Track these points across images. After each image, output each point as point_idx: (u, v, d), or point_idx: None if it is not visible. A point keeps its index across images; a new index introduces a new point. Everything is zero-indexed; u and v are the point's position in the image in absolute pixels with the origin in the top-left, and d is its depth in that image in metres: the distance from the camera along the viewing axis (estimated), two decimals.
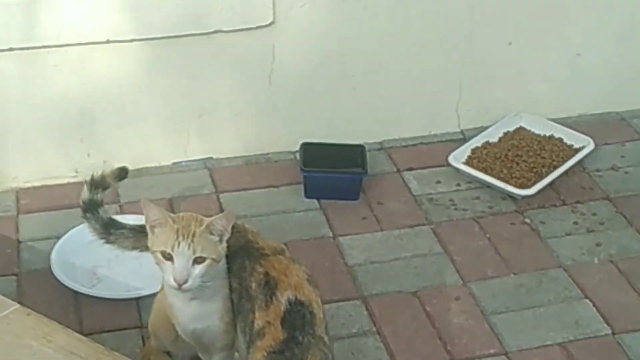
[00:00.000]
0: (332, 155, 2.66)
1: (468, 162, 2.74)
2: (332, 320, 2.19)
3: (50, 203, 2.58)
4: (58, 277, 2.30)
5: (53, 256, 2.36)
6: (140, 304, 2.26)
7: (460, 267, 2.41)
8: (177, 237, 1.74)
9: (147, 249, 1.82)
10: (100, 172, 2.02)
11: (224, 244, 1.79)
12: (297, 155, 2.72)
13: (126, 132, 2.66)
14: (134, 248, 1.96)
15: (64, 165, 2.65)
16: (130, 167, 2.55)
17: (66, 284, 2.29)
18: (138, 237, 1.92)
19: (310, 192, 2.62)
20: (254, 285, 1.80)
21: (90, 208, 1.98)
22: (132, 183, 2.58)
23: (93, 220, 1.97)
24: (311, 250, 2.45)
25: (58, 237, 2.42)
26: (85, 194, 1.99)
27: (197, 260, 1.75)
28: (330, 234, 2.51)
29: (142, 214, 2.38)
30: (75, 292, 2.27)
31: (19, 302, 2.20)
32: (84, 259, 2.36)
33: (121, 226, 1.96)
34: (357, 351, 2.16)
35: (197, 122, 2.69)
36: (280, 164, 2.76)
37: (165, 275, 1.77)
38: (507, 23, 2.81)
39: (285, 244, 2.31)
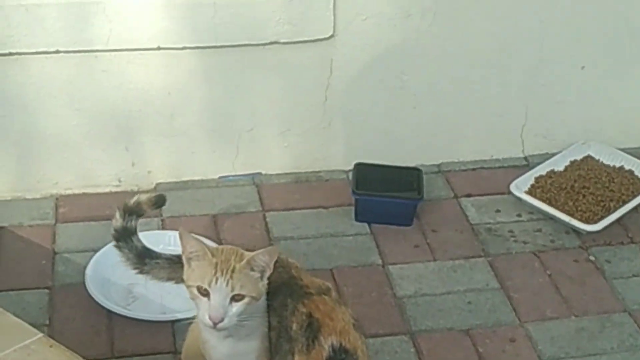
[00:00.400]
0: (387, 177, 2.55)
1: (531, 192, 2.61)
2: (376, 356, 2.10)
3: (90, 213, 2.49)
4: (92, 294, 2.21)
5: (88, 271, 2.26)
6: (175, 327, 2.16)
7: (517, 306, 2.28)
8: (215, 272, 1.63)
9: (183, 281, 1.71)
10: (135, 199, 1.91)
11: (265, 281, 1.69)
12: (350, 175, 2.61)
13: (173, 142, 2.56)
14: (169, 279, 1.85)
15: (107, 174, 2.57)
16: (175, 179, 2.59)
17: (100, 302, 2.20)
18: (174, 267, 1.81)
19: (361, 216, 2.51)
20: (295, 326, 1.68)
21: (124, 236, 1.87)
22: (177, 196, 2.54)
23: (126, 249, 1.86)
24: (358, 278, 2.34)
25: (95, 250, 2.32)
26: (117, 221, 1.88)
27: (235, 298, 1.64)
28: (380, 262, 2.40)
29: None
30: (109, 311, 2.19)
31: (49, 318, 2.16)
32: (120, 275, 2.24)
33: (156, 256, 1.85)
34: None
35: (247, 136, 2.59)
36: (332, 184, 2.65)
37: (200, 312, 1.66)
38: (581, 45, 2.66)
39: (331, 269, 2.36)
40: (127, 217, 1.87)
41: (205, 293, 1.64)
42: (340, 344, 1.61)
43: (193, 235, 1.68)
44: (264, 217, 2.51)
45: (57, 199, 2.54)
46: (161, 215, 2.49)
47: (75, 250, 2.37)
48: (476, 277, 2.36)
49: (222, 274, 1.63)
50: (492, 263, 2.40)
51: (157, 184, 2.59)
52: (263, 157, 2.63)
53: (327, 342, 1.62)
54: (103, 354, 2.09)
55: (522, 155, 2.77)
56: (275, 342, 1.72)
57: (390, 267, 2.37)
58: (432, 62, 2.59)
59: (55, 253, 2.36)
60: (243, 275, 1.64)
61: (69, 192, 2.56)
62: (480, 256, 2.42)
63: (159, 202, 1.95)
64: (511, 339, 2.19)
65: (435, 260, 2.41)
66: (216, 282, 1.62)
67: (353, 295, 2.26)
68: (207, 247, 1.67)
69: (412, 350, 2.14)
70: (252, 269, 1.66)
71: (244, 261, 1.65)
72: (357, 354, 1.62)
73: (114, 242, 1.88)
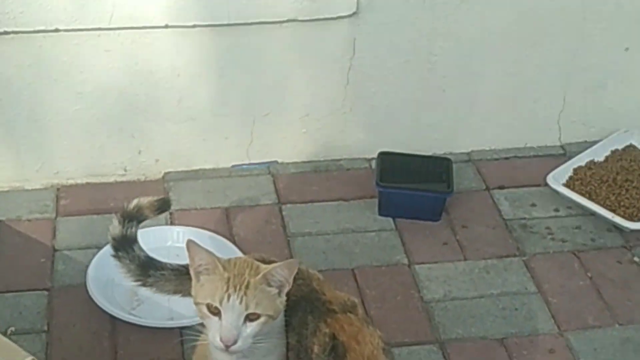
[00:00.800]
0: (413, 168, 2.43)
1: (569, 184, 2.47)
2: None
3: (94, 205, 2.34)
4: (93, 297, 2.06)
5: (90, 272, 2.11)
6: (184, 334, 1.99)
7: (556, 312, 2.14)
8: (227, 289, 1.47)
9: (191, 295, 1.55)
10: (135, 203, 1.73)
11: (284, 298, 1.52)
12: (373, 164, 2.49)
13: (182, 128, 2.42)
14: (175, 292, 1.68)
15: (112, 163, 2.44)
16: (184, 169, 2.48)
17: (102, 306, 2.05)
18: (181, 279, 1.64)
19: (385, 210, 2.37)
20: (316, 348, 1.52)
21: (123, 245, 1.69)
22: (187, 187, 2.44)
23: (127, 259, 1.68)
24: (382, 278, 2.20)
25: (98, 248, 2.17)
26: (115, 228, 1.70)
27: (250, 317, 1.48)
28: (406, 261, 2.26)
29: (194, 226, 2.26)
30: (112, 316, 2.04)
31: (48, 324, 2.03)
32: None
33: (161, 266, 1.68)
34: None
35: (262, 121, 2.45)
36: (353, 174, 2.52)
37: (211, 332, 1.49)
38: (624, 25, 2.48)
39: (352, 269, 2.20)
40: (126, 224, 1.70)
41: (216, 312, 1.48)
42: None
43: (202, 246, 1.50)
44: (280, 211, 2.38)
45: (58, 189, 2.41)
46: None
47: (76, 247, 2.23)
48: (511, 279, 2.22)
49: (235, 290, 1.46)
50: (528, 263, 2.26)
51: (165, 174, 2.47)
52: (279, 145, 2.50)
53: None
54: None
55: (559, 144, 2.63)
56: None
57: (416, 267, 2.24)
58: (463, 42, 2.43)
59: (55, 250, 2.22)
60: (259, 292, 1.47)
61: (71, 182, 2.43)
62: (514, 255, 2.28)
63: (162, 206, 1.78)
64: (550, 349, 2.05)
65: (465, 259, 2.27)
66: (228, 299, 1.46)
67: (376, 299, 2.14)
68: (218, 260, 1.50)
69: None
70: (269, 284, 1.49)
71: (260, 275, 1.48)
72: None
73: (112, 252, 1.70)
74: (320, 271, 2.17)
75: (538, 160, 2.57)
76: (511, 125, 2.59)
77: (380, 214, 2.37)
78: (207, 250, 1.49)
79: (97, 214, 2.31)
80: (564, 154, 2.59)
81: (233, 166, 2.50)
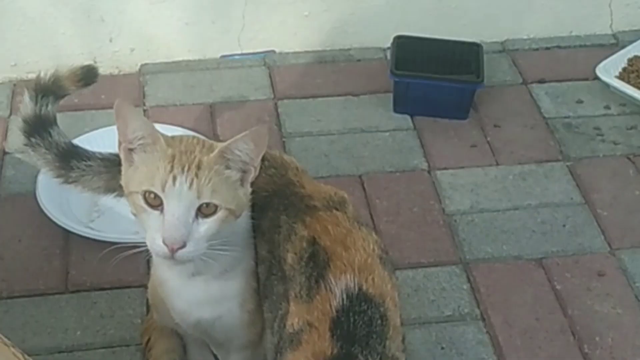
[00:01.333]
0: (436, 55, 2.22)
1: (623, 77, 2.29)
2: (416, 293, 1.77)
3: None
4: (44, 208, 1.82)
5: (41, 178, 1.86)
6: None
7: (606, 227, 1.93)
8: (172, 169, 1.13)
9: None
10: (52, 72, 1.40)
11: (248, 188, 1.18)
12: (388, 54, 2.30)
13: (161, 10, 2.21)
14: (108, 190, 1.35)
15: (79, 52, 2.22)
16: (164, 60, 2.27)
17: (54, 219, 1.80)
18: (114, 173, 1.30)
19: (401, 105, 2.18)
20: (290, 257, 1.19)
21: (37, 129, 1.37)
22: (165, 80, 2.28)
23: (43, 148, 1.36)
24: (396, 187, 2.01)
25: None
26: (27, 106, 1.38)
27: (204, 211, 1.15)
28: (425, 166, 2.07)
29: (172, 124, 1.96)
30: (66, 230, 1.82)
31: None
32: None
33: (87, 156, 1.36)
34: (449, 343, 1.69)
35: (255, 1, 2.25)
36: (364, 65, 2.32)
37: (149, 232, 1.15)
38: None
39: (360, 176, 2.03)
40: (40, 100, 1.38)
41: (156, 203, 1.14)
42: (360, 288, 1.13)
43: (137, 112, 1.17)
44: (276, 107, 2.18)
45: (14, 85, 2.22)
46: (143, 104, 2.16)
47: None
48: (552, 188, 2.03)
49: (182, 170, 1.13)
50: (573, 169, 2.08)
51: (142, 65, 2.26)
52: (277, 31, 2.31)
53: (339, 285, 1.14)
54: (54, 287, 1.74)
55: (610, 32, 2.45)
56: (265, 280, 1.24)
57: (438, 172, 2.06)
58: None
59: (5, 153, 2.02)
60: (214, 175, 1.14)
61: (30, 75, 2.21)
62: (557, 160, 2.10)
63: (87, 76, 1.45)
64: (599, 272, 1.85)
65: (497, 164, 2.09)
66: (174, 182, 1.13)
67: (387, 211, 1.94)
68: (159, 133, 1.16)
69: (466, 286, 1.80)
70: (228, 166, 1.16)
71: (216, 152, 1.15)
72: (386, 303, 1.15)
73: (24, 139, 1.39)
74: (321, 178, 1.99)
75: (585, 51, 2.40)
76: (553, 10, 2.40)
77: (395, 111, 2.19)
78: (144, 119, 1.16)
79: (59, 111, 2.00)
80: (616, 43, 2.42)
81: (222, 57, 2.30)
